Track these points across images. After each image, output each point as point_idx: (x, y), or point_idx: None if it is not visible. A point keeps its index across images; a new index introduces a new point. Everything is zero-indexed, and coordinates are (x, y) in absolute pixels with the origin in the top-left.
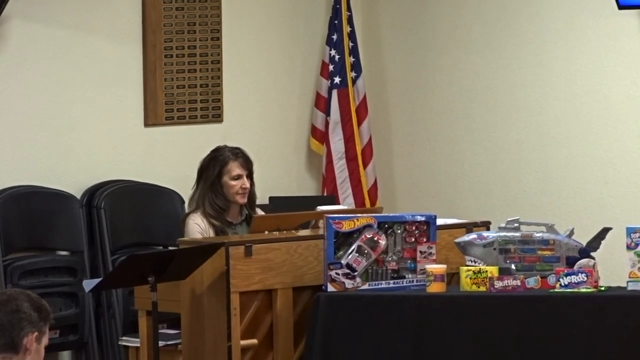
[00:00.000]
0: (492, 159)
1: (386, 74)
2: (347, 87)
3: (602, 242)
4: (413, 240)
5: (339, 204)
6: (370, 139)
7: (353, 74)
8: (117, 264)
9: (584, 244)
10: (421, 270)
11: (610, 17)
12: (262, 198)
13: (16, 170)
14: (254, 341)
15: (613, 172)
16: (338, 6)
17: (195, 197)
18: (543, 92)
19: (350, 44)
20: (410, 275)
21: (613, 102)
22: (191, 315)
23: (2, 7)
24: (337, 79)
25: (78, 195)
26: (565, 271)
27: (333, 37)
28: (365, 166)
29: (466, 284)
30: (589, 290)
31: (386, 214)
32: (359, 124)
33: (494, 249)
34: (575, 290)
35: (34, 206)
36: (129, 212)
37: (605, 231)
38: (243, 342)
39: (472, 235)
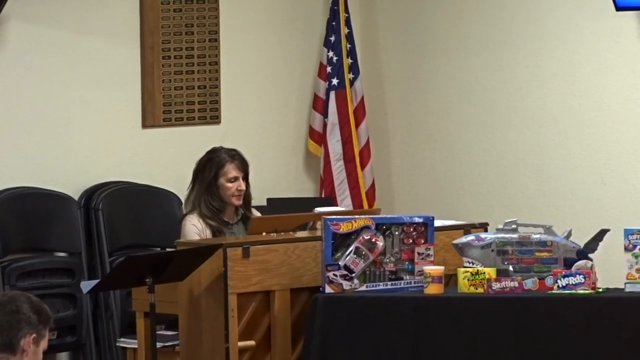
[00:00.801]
0: (489, 160)
1: (384, 76)
2: (345, 88)
3: (600, 243)
4: (411, 241)
5: (336, 205)
6: (368, 141)
7: (351, 76)
8: (115, 266)
9: (582, 245)
10: (419, 271)
11: (608, 19)
12: (259, 199)
13: (14, 172)
14: (252, 342)
15: (611, 174)
16: (336, 8)
17: (191, 198)
18: (541, 94)
19: (348, 46)
20: (408, 277)
21: (611, 104)
22: (189, 316)
23: (0, 8)
24: (334, 81)
25: (76, 197)
26: (563, 273)
27: (331, 38)
28: (363, 168)
29: (464, 285)
30: (586, 291)
31: (384, 216)
32: (357, 125)
33: (492, 250)
34: (573, 291)
35: (31, 207)
36: (126, 214)
37: (602, 233)
38: (241, 344)
39: (470, 237)
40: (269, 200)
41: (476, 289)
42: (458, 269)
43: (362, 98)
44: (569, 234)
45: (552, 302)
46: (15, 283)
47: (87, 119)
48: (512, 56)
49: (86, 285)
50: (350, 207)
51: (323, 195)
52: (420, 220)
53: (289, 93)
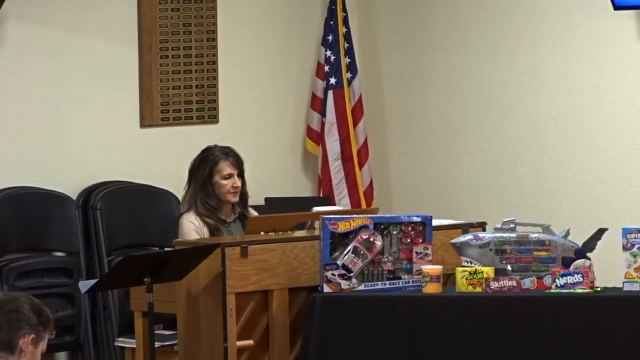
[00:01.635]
0: (487, 159)
1: (382, 75)
2: (343, 88)
3: (598, 242)
4: (409, 241)
5: (334, 204)
6: (365, 140)
7: (349, 75)
8: (113, 265)
9: (580, 244)
10: (417, 271)
11: (606, 18)
12: (257, 199)
13: (12, 171)
14: (250, 342)
15: (609, 173)
16: (334, 7)
17: (187, 197)
18: (538, 93)
19: (346, 45)
20: (406, 276)
21: (608, 103)
22: (187, 316)
23: None
24: (332, 80)
25: (74, 196)
26: (561, 272)
27: (329, 37)
28: (361, 167)
29: (462, 284)
30: (585, 291)
31: (382, 215)
32: (355, 124)
33: (490, 249)
34: (571, 291)
35: (29, 207)
36: (124, 213)
37: (601, 232)
38: (239, 343)
39: (468, 236)
40: (267, 199)
41: (474, 288)
42: (456, 268)
43: (360, 97)
44: (567, 233)
45: (550, 301)
46: (13, 283)
47: (85, 119)
48: (510, 55)
49: (84, 285)
50: (348, 207)
51: (321, 195)
52: (419, 219)
53: (287, 92)
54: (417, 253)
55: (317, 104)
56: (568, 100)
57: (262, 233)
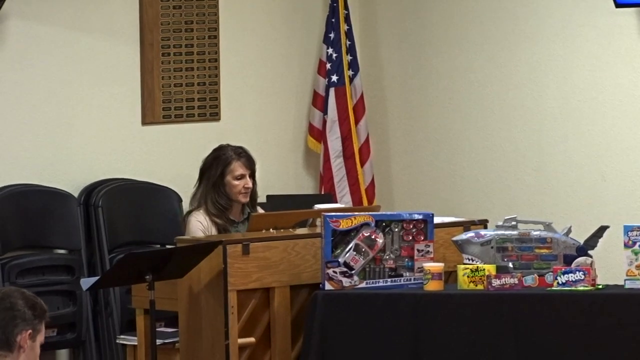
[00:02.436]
0: (489, 157)
1: (383, 72)
2: (345, 85)
3: (600, 240)
4: (410, 238)
5: (336, 202)
6: (367, 137)
7: (350, 72)
8: (115, 263)
9: (582, 242)
10: (419, 268)
11: (607, 16)
12: (259, 196)
13: (13, 169)
14: (252, 339)
15: (610, 170)
16: (335, 4)
17: (197, 195)
18: (540, 91)
19: (348, 42)
20: (407, 274)
21: (610, 100)
22: (189, 313)
23: (0, 6)
24: (334, 77)
25: (75, 194)
26: (563, 269)
27: (330, 35)
28: (362, 164)
29: (464, 282)
30: (586, 288)
31: (384, 212)
32: (356, 122)
33: (492, 247)
34: (573, 288)
35: (31, 204)
36: (126, 211)
37: (602, 229)
38: (240, 341)
39: (470, 234)
40: (268, 197)
41: (476, 285)
42: (458, 265)
43: (362, 95)
44: (569, 231)
45: (551, 298)
46: (15, 280)
47: (86, 116)
48: (511, 53)
49: (86, 283)
50: (350, 204)
51: (323, 192)
52: (420, 217)
53: (289, 90)
54: (418, 250)
55: (319, 102)
56: (569, 98)
57: (263, 230)
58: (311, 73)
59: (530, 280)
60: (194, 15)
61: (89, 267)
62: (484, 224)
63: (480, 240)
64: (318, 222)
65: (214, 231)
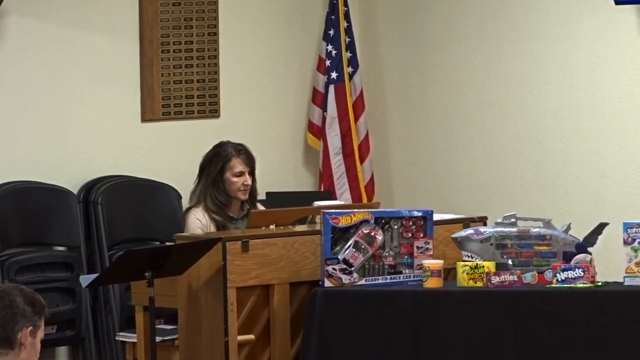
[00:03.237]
0: (488, 154)
1: (383, 69)
2: (344, 82)
3: (599, 237)
4: (410, 235)
5: (335, 199)
6: (367, 135)
7: (350, 69)
8: (114, 260)
9: (581, 239)
10: (418, 265)
11: (607, 12)
12: (259, 193)
13: (13, 166)
14: (251, 336)
15: (610, 167)
16: (335, 1)
17: (196, 192)
18: (540, 87)
19: (347, 39)
20: (407, 271)
21: (610, 97)
22: (188, 310)
23: None
24: (334, 74)
25: (75, 191)
26: (562, 266)
27: (330, 32)
28: (362, 161)
29: (463, 279)
30: (585, 285)
31: (383, 209)
32: (356, 119)
33: (491, 244)
34: (572, 285)
35: (30, 202)
36: (125, 208)
37: (602, 226)
38: (240, 338)
39: (469, 231)
40: (268, 194)
41: (475, 282)
42: (457, 262)
43: (361, 92)
44: (568, 228)
45: (551, 296)
46: (14, 277)
47: (86, 113)
48: (511, 50)
49: (85, 279)
50: (349, 201)
51: (322, 189)
52: (420, 214)
53: (288, 87)
54: (418, 248)
55: (318, 99)
56: (569, 95)
57: (263, 227)
58: (311, 70)
59: (530, 277)
60: (193, 12)
61: (88, 264)
62: (483, 221)
63: (480, 238)
64: (317, 219)
65: (212, 228)
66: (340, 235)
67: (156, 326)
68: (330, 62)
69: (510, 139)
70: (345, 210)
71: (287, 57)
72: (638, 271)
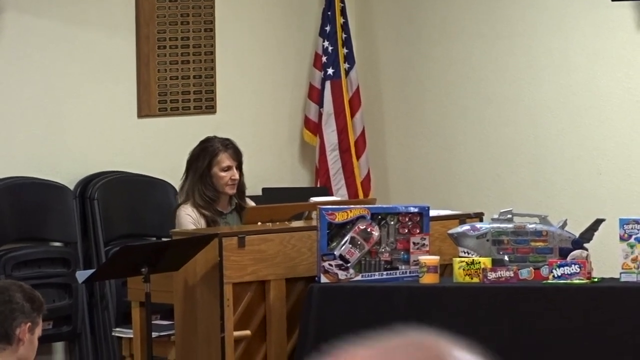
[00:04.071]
0: (485, 150)
1: (379, 66)
2: (341, 78)
3: (595, 233)
4: (406, 231)
5: (332, 195)
6: (363, 131)
7: (346, 66)
8: (111, 255)
9: (577, 235)
10: (414, 261)
11: (604, 9)
12: (255, 189)
13: (9, 161)
14: (247, 332)
15: (606, 164)
16: None
17: (184, 188)
18: (536, 84)
19: (344, 36)
20: (403, 267)
21: (606, 94)
22: (184, 306)
23: None
24: (330, 71)
25: (71, 187)
26: (558, 262)
27: (326, 28)
28: (358, 157)
29: (459, 275)
30: (582, 281)
31: (379, 205)
32: (352, 115)
33: (487, 240)
34: (568, 281)
35: (27, 197)
36: (122, 203)
37: (598, 222)
38: (236, 333)
39: (465, 227)
40: (264, 190)
41: (472, 278)
42: (453, 258)
43: (358, 88)
44: (565, 224)
45: (547, 292)
46: (10, 273)
47: (82, 109)
48: (507, 46)
49: (82, 275)
50: (346, 197)
51: (318, 185)
52: (416, 210)
53: (285, 83)
54: (414, 243)
55: (315, 95)
56: (566, 91)
57: (259, 223)
58: (307, 66)
59: (526, 273)
60: (190, 8)
61: (84, 259)
62: (479, 217)
63: (476, 233)
64: (314, 215)
65: (202, 223)
66: (336, 231)
67: (152, 322)
68: (326, 58)
69: (507, 135)
70: (341, 206)
71: (284, 53)
72: (634, 267)
